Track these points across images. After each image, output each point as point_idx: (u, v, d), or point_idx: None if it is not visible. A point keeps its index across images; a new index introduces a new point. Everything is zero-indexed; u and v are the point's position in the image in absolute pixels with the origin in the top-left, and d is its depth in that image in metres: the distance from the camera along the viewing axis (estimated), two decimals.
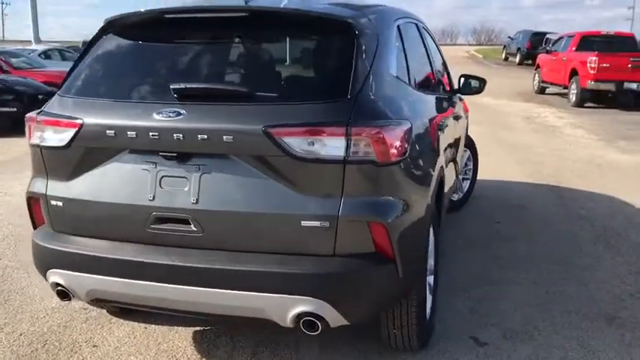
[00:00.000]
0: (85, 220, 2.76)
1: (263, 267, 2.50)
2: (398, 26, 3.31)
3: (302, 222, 2.46)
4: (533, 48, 28.15)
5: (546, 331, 3.42)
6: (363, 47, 2.66)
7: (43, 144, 2.79)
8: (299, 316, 2.51)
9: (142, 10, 2.93)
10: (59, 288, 2.81)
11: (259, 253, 2.55)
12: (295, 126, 2.42)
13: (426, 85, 3.88)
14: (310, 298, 2.47)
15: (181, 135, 2.49)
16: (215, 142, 2.47)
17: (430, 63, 4.13)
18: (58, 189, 2.78)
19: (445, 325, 3.42)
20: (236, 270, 2.50)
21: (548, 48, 18.59)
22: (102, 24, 3.00)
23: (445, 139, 3.77)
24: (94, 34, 3.02)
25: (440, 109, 3.83)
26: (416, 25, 3.99)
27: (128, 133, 2.56)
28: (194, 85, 2.64)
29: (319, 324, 2.52)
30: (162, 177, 2.58)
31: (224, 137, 2.45)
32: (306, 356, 3.14)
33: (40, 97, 10.75)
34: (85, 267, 2.70)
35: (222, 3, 3.14)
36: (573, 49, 16.31)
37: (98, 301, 2.98)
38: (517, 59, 31.13)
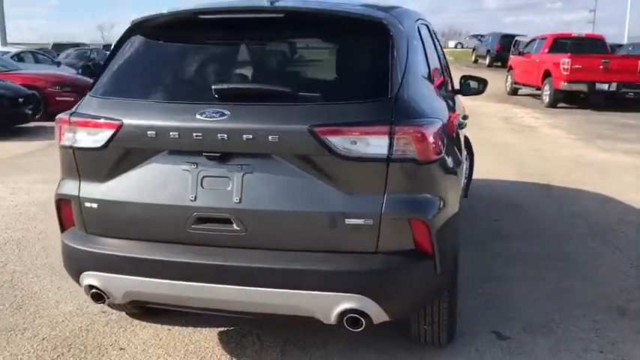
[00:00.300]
0: (121, 222, 2.74)
1: (308, 265, 2.52)
2: (418, 27, 3.38)
3: (346, 220, 2.49)
4: (502, 50, 28.63)
5: (563, 323, 3.51)
6: (398, 47, 2.70)
7: (75, 145, 2.76)
8: (343, 313, 2.53)
9: (165, 11, 2.92)
10: (94, 290, 2.78)
11: (301, 251, 2.57)
12: (341, 125, 2.44)
13: (441, 85, 3.95)
14: (355, 295, 2.50)
15: (226, 135, 2.49)
16: (260, 142, 2.48)
17: (441, 63, 4.21)
18: (92, 191, 2.75)
19: (465, 320, 3.48)
20: (282, 269, 2.52)
21: (520, 50, 18.96)
22: (129, 25, 2.98)
23: (461, 136, 3.85)
24: (121, 34, 3.00)
25: (454, 108, 3.91)
26: (427, 26, 4.06)
27: (170, 133, 2.55)
28: (238, 86, 2.65)
29: (363, 320, 2.55)
30: (204, 177, 2.58)
31: (269, 137, 2.46)
32: (335, 352, 3.17)
33: (20, 100, 10.51)
34: (122, 268, 2.69)
35: (251, 3, 3.14)
36: (546, 50, 16.69)
37: (131, 303, 2.96)
38: (487, 61, 31.62)
